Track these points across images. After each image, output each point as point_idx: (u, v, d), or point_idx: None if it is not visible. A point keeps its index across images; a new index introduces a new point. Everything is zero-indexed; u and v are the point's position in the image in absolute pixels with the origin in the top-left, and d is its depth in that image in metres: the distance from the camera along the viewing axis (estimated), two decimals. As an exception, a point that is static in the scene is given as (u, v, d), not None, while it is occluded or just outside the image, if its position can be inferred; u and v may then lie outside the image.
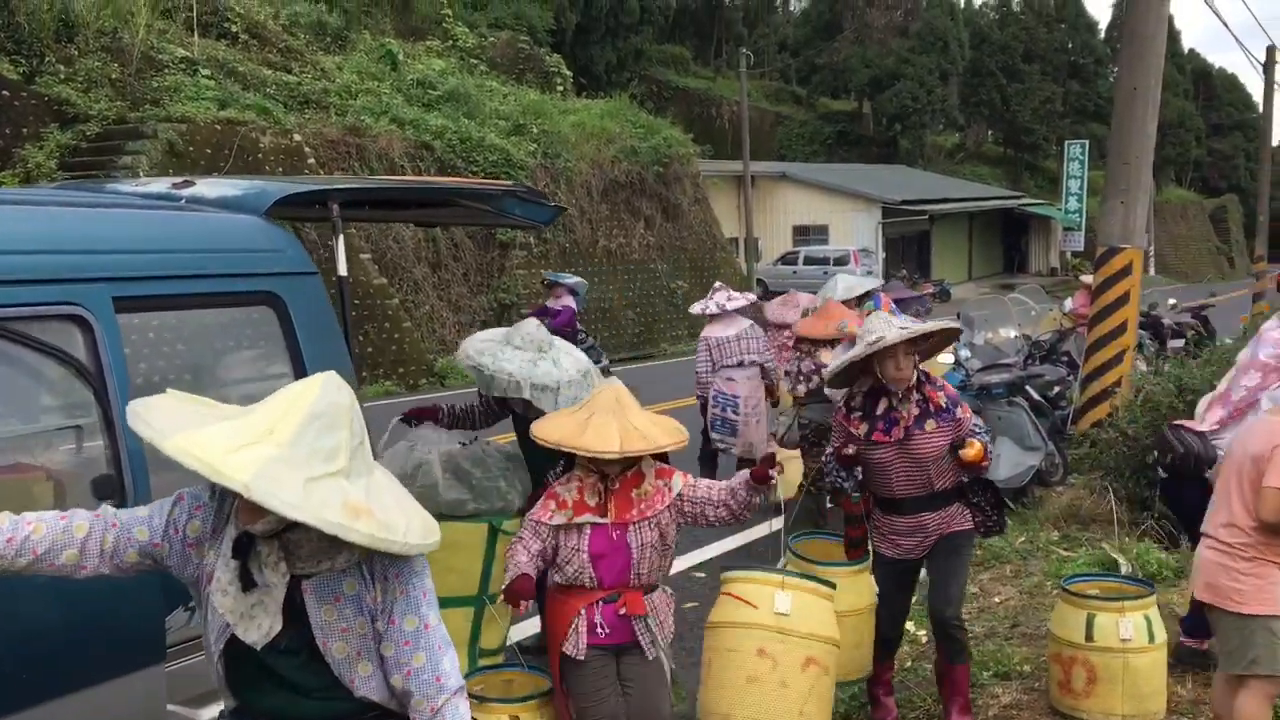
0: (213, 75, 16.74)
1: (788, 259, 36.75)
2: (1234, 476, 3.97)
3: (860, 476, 4.53)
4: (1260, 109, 45.04)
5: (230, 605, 2.36)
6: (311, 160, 16.48)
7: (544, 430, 3.74)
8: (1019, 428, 8.72)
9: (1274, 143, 31.90)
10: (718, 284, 9.85)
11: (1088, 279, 12.33)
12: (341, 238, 3.84)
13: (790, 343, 8.70)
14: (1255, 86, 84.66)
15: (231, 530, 2.37)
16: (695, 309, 9.58)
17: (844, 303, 8.31)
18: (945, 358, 9.05)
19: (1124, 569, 6.24)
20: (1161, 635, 4.51)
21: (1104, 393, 9.11)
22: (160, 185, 3.75)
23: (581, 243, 21.40)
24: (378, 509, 2.29)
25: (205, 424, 2.28)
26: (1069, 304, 12.44)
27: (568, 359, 4.73)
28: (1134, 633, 4.38)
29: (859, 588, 4.83)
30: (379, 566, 2.44)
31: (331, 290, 3.76)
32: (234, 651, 2.41)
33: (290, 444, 2.22)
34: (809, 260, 35.52)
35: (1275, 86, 27.50)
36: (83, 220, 3.10)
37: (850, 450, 4.44)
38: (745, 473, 3.81)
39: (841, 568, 4.84)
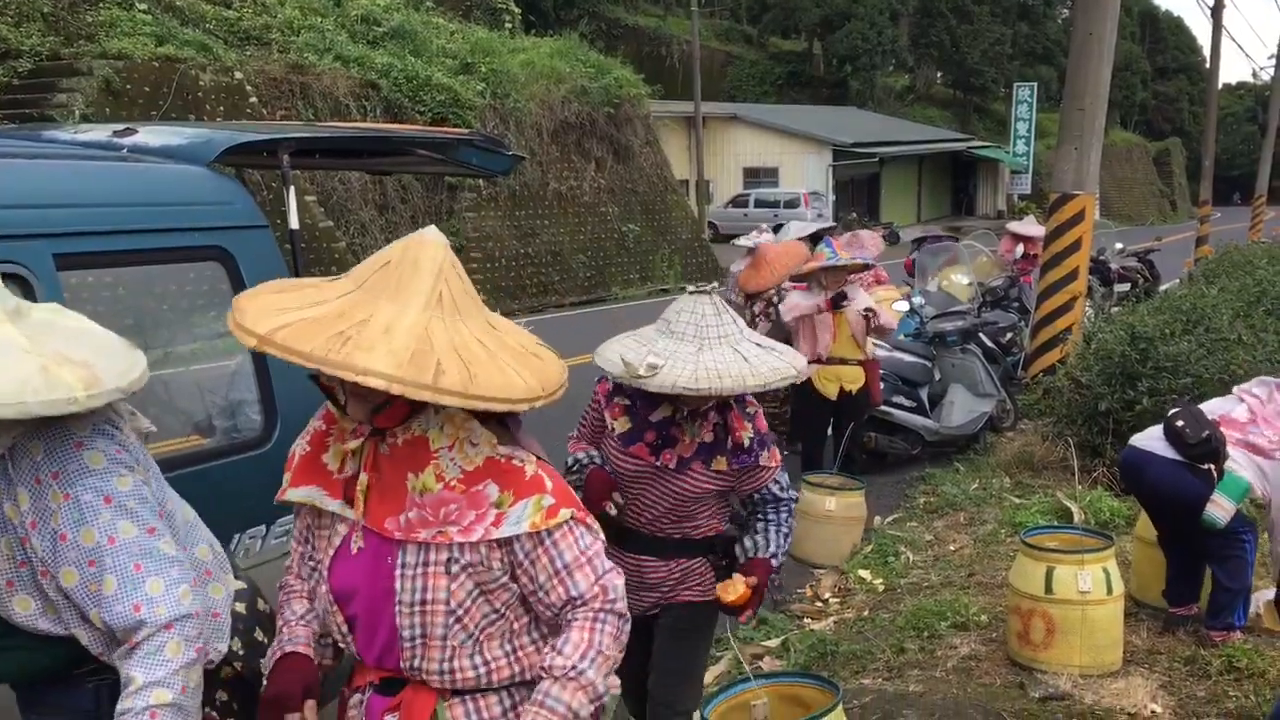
0: (150, 10, 16.16)
1: (739, 202, 36.69)
2: None
3: (597, 460, 3.25)
4: (1205, 53, 45.44)
5: None
6: (254, 99, 16.03)
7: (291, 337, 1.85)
8: (972, 374, 8.79)
9: (1219, 86, 32.17)
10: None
11: (1013, 225, 12.42)
12: (293, 189, 3.70)
13: (861, 282, 8.73)
14: (1200, 29, 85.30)
15: None
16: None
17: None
18: (899, 305, 9.08)
19: (1076, 517, 6.32)
20: (1119, 587, 4.56)
21: (1055, 339, 9.21)
22: (101, 133, 3.58)
23: (531, 185, 21.14)
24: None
25: None
26: (1017, 251, 12.51)
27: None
28: (1093, 585, 4.42)
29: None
30: (24, 463, 1.95)
31: (283, 243, 3.63)
32: None
33: None
34: (759, 203, 35.48)
35: (1222, 30, 27.67)
36: (19, 173, 2.94)
37: (583, 455, 3.27)
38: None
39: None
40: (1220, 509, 4.59)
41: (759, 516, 3.27)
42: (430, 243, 1.99)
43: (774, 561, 3.20)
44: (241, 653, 2.33)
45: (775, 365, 2.95)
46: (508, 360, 1.94)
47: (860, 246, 9.49)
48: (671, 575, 3.30)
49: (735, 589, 3.07)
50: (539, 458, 2.09)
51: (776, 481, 3.26)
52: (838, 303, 6.94)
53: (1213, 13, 28.97)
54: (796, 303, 7.05)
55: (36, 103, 13.69)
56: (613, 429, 3.20)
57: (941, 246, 11.48)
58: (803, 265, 7.45)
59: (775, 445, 3.26)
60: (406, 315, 1.87)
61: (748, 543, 3.24)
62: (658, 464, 3.14)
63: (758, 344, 3.05)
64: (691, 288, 3.14)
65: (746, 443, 3.15)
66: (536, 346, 2.10)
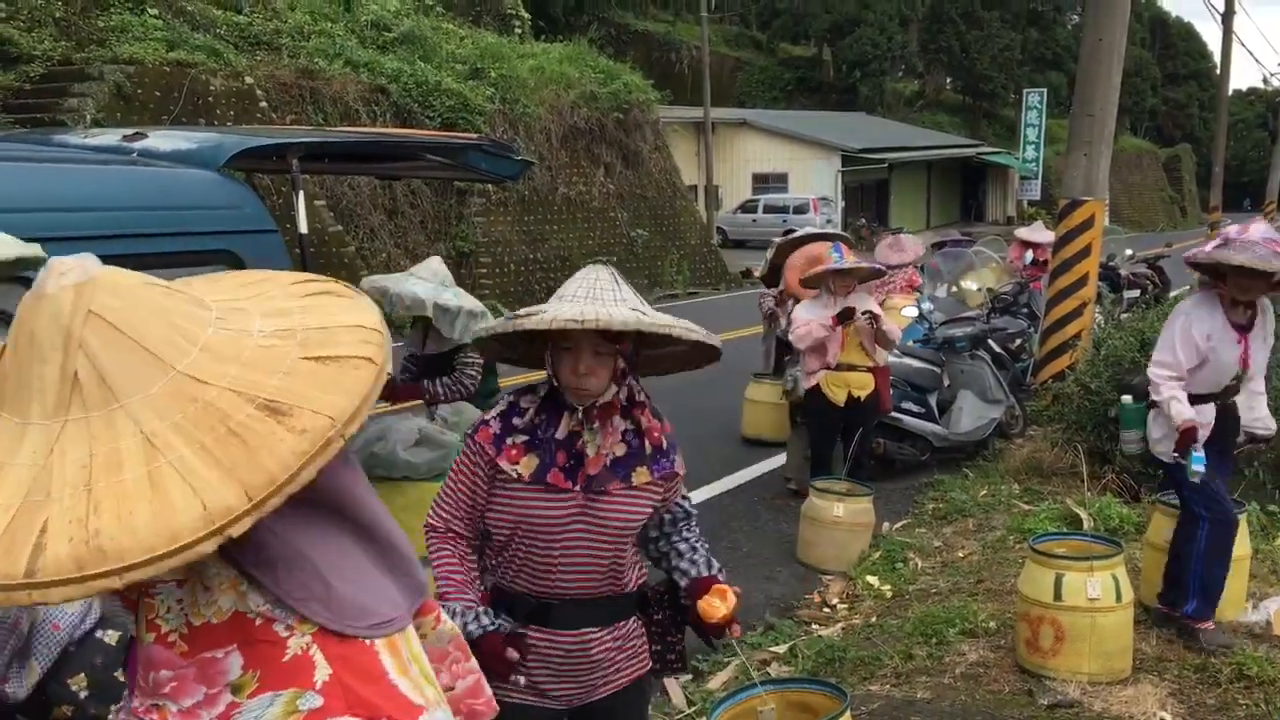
0: (160, 15, 16.23)
1: (747, 207, 36.69)
2: None
3: (485, 621, 2.59)
4: (1216, 59, 45.34)
5: None
6: (264, 104, 16.09)
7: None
8: (981, 380, 8.77)
9: (1229, 93, 32.09)
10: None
11: (1022, 232, 12.41)
12: (302, 193, 3.71)
13: (898, 285, 9.52)
14: (1210, 35, 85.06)
15: None
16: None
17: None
18: (909, 310, 9.07)
19: (1085, 524, 6.30)
20: (1129, 594, 4.54)
21: (1064, 345, 9.19)
22: (111, 137, 3.59)
23: (540, 190, 21.16)
24: None
25: None
26: (1027, 257, 12.50)
27: (468, 296, 5.21)
28: (1102, 592, 4.40)
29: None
30: None
31: (293, 247, 3.64)
32: None
33: None
34: (769, 209, 35.47)
35: (1233, 36, 27.61)
36: (30, 176, 2.95)
37: (461, 610, 2.57)
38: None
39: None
40: (1127, 442, 5.02)
41: (676, 539, 2.81)
42: (49, 296, 1.12)
43: (722, 577, 2.75)
44: (84, 695, 2.05)
45: (663, 318, 2.48)
46: (239, 418, 1.10)
47: (901, 250, 10.03)
48: (614, 646, 2.71)
49: (723, 603, 2.63)
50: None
51: (682, 494, 2.84)
52: (845, 318, 6.92)
53: (1223, 19, 28.93)
54: (807, 329, 6.99)
55: (48, 107, 13.75)
56: (517, 476, 2.55)
57: (958, 253, 11.48)
58: (808, 270, 7.44)
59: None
60: (19, 449, 1.10)
61: (685, 567, 2.78)
62: (576, 488, 2.55)
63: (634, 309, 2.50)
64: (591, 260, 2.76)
65: (665, 443, 2.68)
66: (348, 333, 1.22)
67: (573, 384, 2.50)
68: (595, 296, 2.46)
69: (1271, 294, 4.75)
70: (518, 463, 2.56)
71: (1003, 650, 4.87)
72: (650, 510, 2.69)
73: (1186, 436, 4.67)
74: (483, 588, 2.69)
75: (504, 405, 2.63)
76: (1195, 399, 4.79)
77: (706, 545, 2.86)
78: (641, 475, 2.61)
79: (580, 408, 2.55)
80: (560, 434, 2.57)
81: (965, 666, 4.75)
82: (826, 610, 5.81)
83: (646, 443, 2.64)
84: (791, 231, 9.29)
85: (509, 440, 2.58)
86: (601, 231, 22.96)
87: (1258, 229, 4.66)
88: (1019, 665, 4.67)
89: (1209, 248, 4.73)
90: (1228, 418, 4.89)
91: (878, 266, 7.39)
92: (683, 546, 2.81)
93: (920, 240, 11.00)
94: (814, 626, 5.55)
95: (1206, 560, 4.86)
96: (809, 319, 7.01)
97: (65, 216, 2.87)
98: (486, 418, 2.63)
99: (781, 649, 5.16)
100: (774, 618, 5.66)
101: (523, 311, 2.45)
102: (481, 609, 2.59)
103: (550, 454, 2.56)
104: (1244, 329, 4.78)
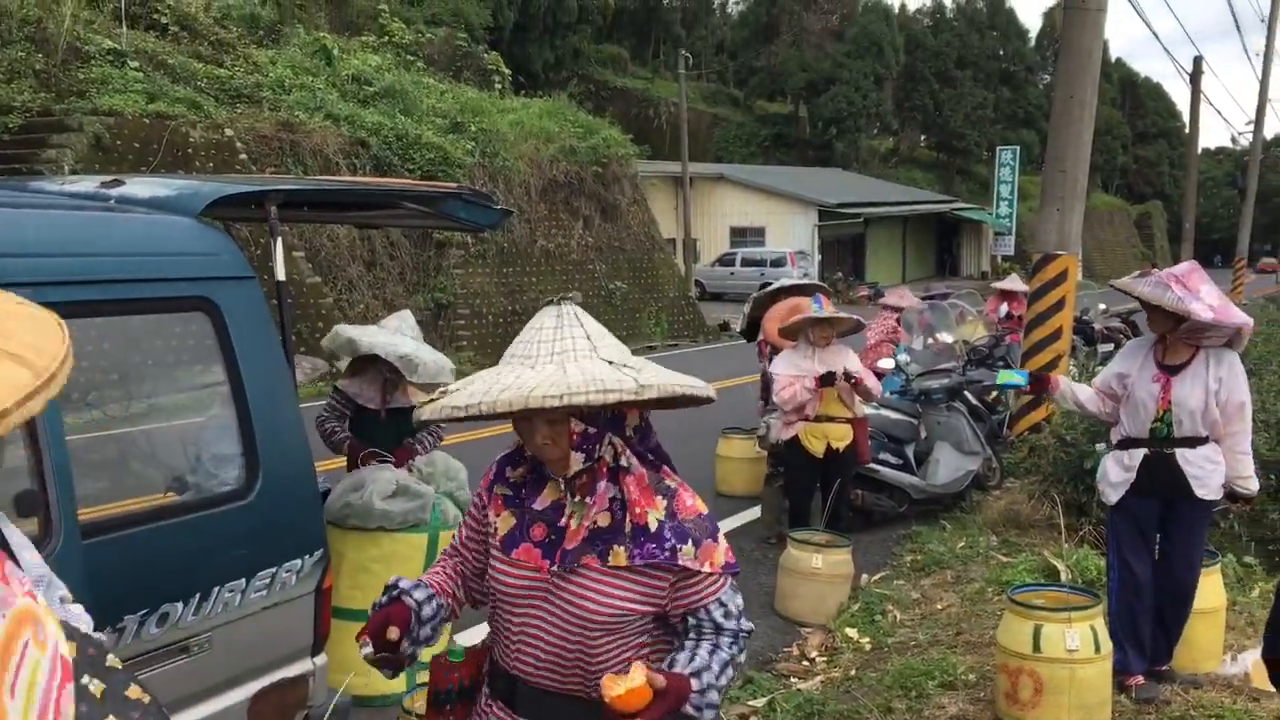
0: (141, 67, 16.31)
1: (725, 260, 36.92)
2: None
3: (415, 594, 2.36)
4: (1185, 118, 46.10)
5: None
6: (244, 156, 16.13)
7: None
8: (958, 432, 8.78)
9: (1199, 151, 32.63)
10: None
11: (999, 284, 12.58)
12: (280, 240, 3.71)
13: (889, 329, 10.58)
14: (1179, 95, 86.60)
15: None
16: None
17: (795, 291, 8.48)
18: (886, 363, 9.11)
19: (1063, 575, 6.29)
20: (1107, 646, 4.53)
21: (1038, 398, 9.22)
22: (88, 184, 3.59)
23: (519, 242, 21.24)
24: None
25: None
26: (1001, 309, 12.64)
27: (430, 351, 5.21)
28: (1080, 643, 4.39)
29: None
30: None
31: (270, 295, 3.63)
32: None
33: None
34: (746, 262, 35.72)
35: (1201, 96, 28.14)
36: (5, 222, 2.94)
37: (405, 582, 2.39)
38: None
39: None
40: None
41: (693, 637, 2.28)
42: None
43: (694, 684, 2.16)
44: None
45: (598, 376, 2.09)
46: None
47: (903, 297, 11.02)
48: None
49: (629, 681, 2.07)
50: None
51: (720, 602, 2.27)
52: (826, 382, 6.96)
53: (1191, 79, 29.49)
54: (792, 392, 7.00)
55: (26, 158, 13.76)
56: (495, 530, 2.34)
57: (937, 306, 11.64)
58: (789, 319, 7.48)
59: (717, 541, 2.25)
60: None
61: (674, 656, 2.25)
62: (552, 569, 2.23)
63: (609, 361, 2.16)
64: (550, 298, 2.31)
65: (653, 525, 2.20)
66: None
67: (538, 454, 2.26)
68: (534, 355, 2.16)
69: (1187, 338, 4.66)
70: (500, 515, 2.35)
71: (982, 703, 4.84)
72: (639, 608, 2.22)
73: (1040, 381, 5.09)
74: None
75: (512, 448, 2.41)
76: (1128, 443, 4.87)
77: (727, 663, 2.26)
78: (618, 556, 2.20)
79: (561, 478, 2.26)
80: (539, 504, 2.30)
81: None
82: (805, 663, 5.76)
83: (628, 518, 2.22)
84: (768, 285, 9.36)
85: (497, 489, 2.38)
86: (580, 283, 23.02)
87: (1183, 266, 4.73)
88: (998, 718, 4.64)
89: (1128, 278, 4.81)
90: (1163, 471, 4.77)
91: (857, 319, 7.40)
92: (691, 642, 2.27)
93: (916, 297, 11.81)
94: (793, 680, 5.50)
95: (1118, 611, 4.92)
96: (789, 374, 7.04)
97: (40, 262, 2.86)
98: (498, 457, 2.43)
99: (760, 703, 5.10)
100: (752, 671, 5.60)
101: (451, 387, 2.20)
102: (410, 585, 2.35)
103: (526, 524, 2.30)
104: (1170, 370, 4.72)
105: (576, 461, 2.21)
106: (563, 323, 2.20)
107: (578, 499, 2.26)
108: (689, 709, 2.16)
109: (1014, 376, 5.20)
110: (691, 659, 2.21)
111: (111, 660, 2.08)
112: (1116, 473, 4.88)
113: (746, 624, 2.34)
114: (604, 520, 2.24)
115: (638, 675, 2.08)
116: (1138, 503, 4.84)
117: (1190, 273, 4.64)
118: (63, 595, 2.19)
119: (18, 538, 2.18)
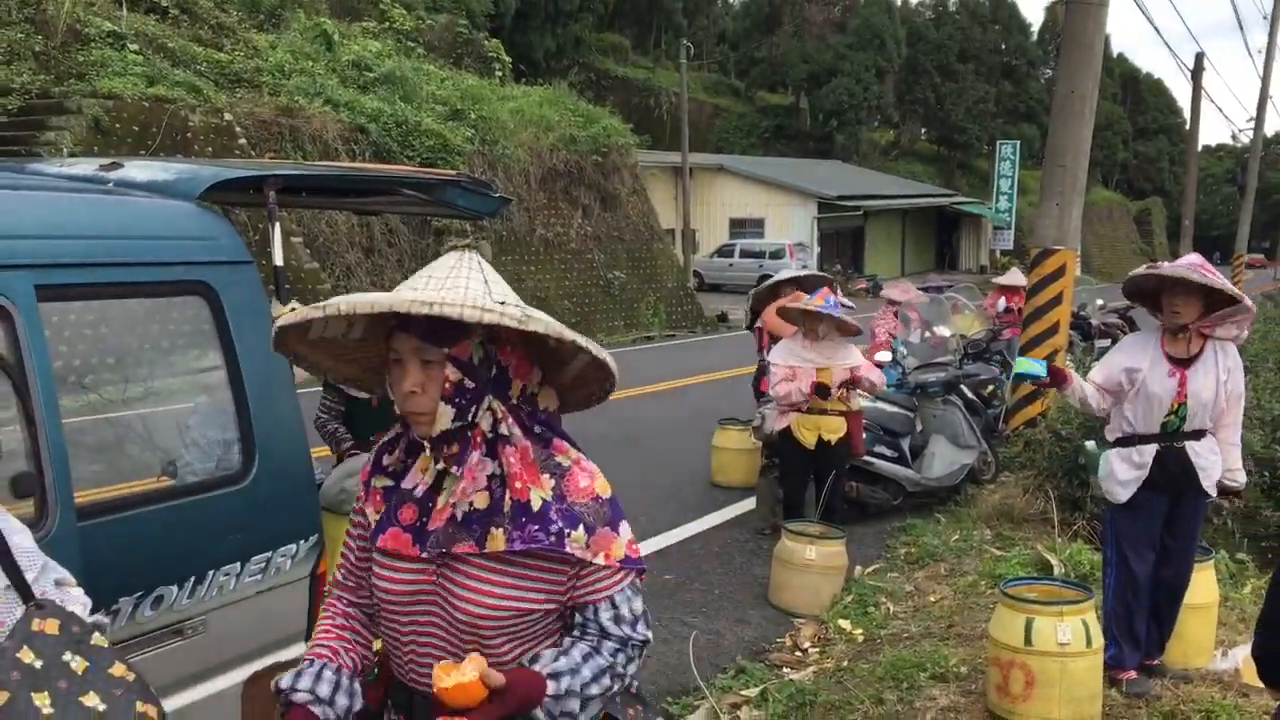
0: (141, 50, 16.27)
1: (724, 251, 36.92)
2: None
3: (318, 688, 2.02)
4: (1185, 115, 46.09)
5: None
6: (243, 141, 16.10)
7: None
8: (954, 426, 8.80)
9: (1199, 148, 32.64)
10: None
11: (1000, 279, 12.57)
12: (278, 225, 3.71)
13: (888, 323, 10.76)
14: (1180, 92, 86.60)
15: None
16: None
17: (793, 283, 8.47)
18: (883, 356, 9.12)
19: (1057, 570, 6.31)
20: (1099, 640, 4.55)
21: (1036, 392, 9.23)
22: (87, 167, 3.58)
23: (518, 231, 21.23)
24: None
25: None
26: (1001, 305, 12.64)
27: None
28: (1072, 637, 4.40)
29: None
30: None
31: (268, 280, 3.63)
32: None
33: None
34: (745, 253, 35.71)
35: (1202, 93, 28.12)
36: (2, 204, 2.94)
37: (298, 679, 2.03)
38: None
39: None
40: (1097, 488, 5.12)
41: (574, 636, 2.01)
42: None
43: (551, 687, 1.90)
44: None
45: (478, 298, 1.83)
46: None
47: (906, 290, 11.23)
48: None
49: (460, 674, 1.82)
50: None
51: (611, 603, 1.98)
52: (822, 395, 7.00)
53: (1192, 76, 29.48)
54: (788, 390, 7.02)
55: (25, 140, 13.73)
56: (367, 519, 2.07)
57: (934, 299, 11.68)
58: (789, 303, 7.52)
59: (617, 531, 1.98)
60: None
61: (540, 651, 1.99)
62: (423, 553, 1.95)
63: (502, 301, 1.87)
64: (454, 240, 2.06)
65: (536, 504, 1.92)
66: None
67: (401, 406, 1.92)
68: (419, 287, 1.87)
69: (1208, 325, 4.62)
70: (380, 510, 2.05)
71: (973, 695, 4.86)
72: (535, 605, 1.95)
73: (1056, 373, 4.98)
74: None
75: (389, 434, 2.09)
76: (1136, 439, 4.78)
77: (604, 672, 1.97)
78: (495, 540, 1.91)
79: (426, 443, 1.95)
80: (410, 482, 2.01)
81: (936, 712, 4.73)
82: (798, 654, 5.78)
83: (507, 495, 1.93)
84: (768, 277, 9.35)
85: (375, 483, 2.07)
86: (578, 273, 23.01)
87: (1196, 258, 4.73)
88: (989, 711, 4.65)
89: (1138, 270, 4.78)
90: (1175, 465, 4.76)
91: (854, 324, 7.28)
92: (569, 641, 2.00)
93: (918, 288, 11.99)
94: (785, 670, 5.52)
95: (1114, 608, 4.92)
96: (787, 364, 7.05)
97: (38, 244, 2.86)
98: (376, 445, 2.14)
99: (752, 692, 5.12)
100: (745, 660, 5.62)
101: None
102: (291, 680, 2.02)
103: (394, 507, 2.01)
104: (1182, 363, 4.69)
105: (445, 417, 1.88)
106: (461, 266, 1.92)
107: (441, 466, 1.96)
108: (539, 714, 1.90)
109: (1034, 366, 5.00)
110: (558, 658, 1.95)
111: (97, 639, 2.10)
112: (1125, 470, 4.79)
113: (641, 631, 2.02)
114: (482, 501, 1.94)
115: (470, 669, 1.83)
116: (1149, 499, 4.79)
117: (1205, 263, 4.65)
118: (59, 579, 2.20)
119: (11, 522, 2.19)
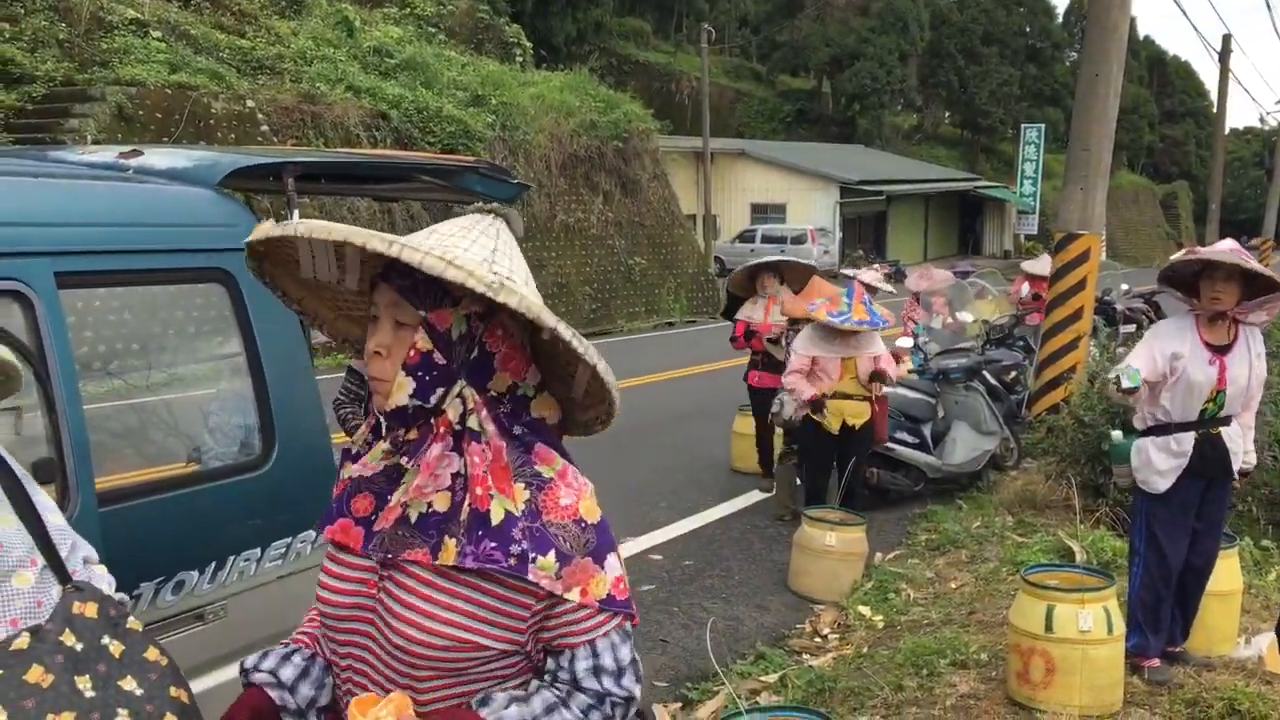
0: (164, 38, 16.34)
1: (745, 237, 36.81)
2: None
3: (283, 673, 1.79)
4: (1212, 97, 45.66)
5: None
6: (265, 128, 16.15)
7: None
8: (976, 412, 8.76)
9: (1226, 131, 32.29)
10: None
11: (1027, 265, 12.48)
12: (298, 212, 3.71)
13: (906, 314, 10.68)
14: (1208, 74, 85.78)
15: None
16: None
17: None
18: (904, 342, 9.09)
19: (1079, 557, 6.28)
20: (1120, 627, 4.52)
21: (1059, 378, 9.19)
22: (106, 154, 3.59)
23: (539, 217, 21.22)
24: None
25: None
26: (1025, 290, 12.56)
27: None
28: (1093, 624, 4.38)
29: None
30: None
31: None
32: None
33: None
34: (766, 239, 35.58)
35: (1229, 76, 27.82)
36: (23, 191, 2.95)
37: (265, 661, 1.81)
38: None
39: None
40: (1119, 476, 5.05)
41: (543, 681, 1.67)
42: None
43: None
44: None
45: (453, 253, 1.54)
46: None
47: (930, 279, 11.01)
48: None
49: (379, 710, 1.54)
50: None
51: (591, 650, 1.63)
52: (815, 409, 7.09)
53: (1220, 58, 29.14)
54: (793, 380, 7.13)
55: (49, 128, 13.82)
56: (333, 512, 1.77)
57: (964, 285, 11.64)
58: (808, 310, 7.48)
59: (602, 565, 1.61)
60: None
61: (492, 693, 1.64)
62: (371, 554, 1.66)
63: (507, 276, 1.60)
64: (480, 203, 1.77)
65: (497, 516, 1.58)
66: None
67: (370, 374, 1.66)
68: (434, 237, 1.61)
69: (1242, 311, 4.56)
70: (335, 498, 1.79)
71: (994, 682, 4.84)
72: (484, 640, 1.59)
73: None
74: None
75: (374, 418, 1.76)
76: (1173, 427, 4.71)
77: None
78: (448, 551, 1.58)
79: (381, 417, 1.67)
80: (370, 469, 1.70)
81: (955, 698, 4.72)
82: (818, 640, 5.78)
83: (467, 501, 1.60)
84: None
85: (344, 473, 1.78)
86: (599, 259, 23.00)
87: (1225, 243, 4.68)
88: (1009, 698, 4.64)
89: (1177, 256, 4.72)
90: (1211, 451, 4.72)
91: (870, 334, 7.23)
92: (532, 688, 1.66)
93: (947, 271, 11.84)
94: (805, 656, 5.52)
95: (1142, 597, 4.88)
96: (806, 355, 7.05)
97: (58, 231, 2.87)
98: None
99: (771, 678, 5.13)
100: (765, 646, 5.63)
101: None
102: (256, 660, 1.82)
103: (349, 494, 1.72)
104: (1221, 350, 4.64)
105: (402, 390, 1.61)
106: (474, 228, 1.67)
107: (389, 448, 1.68)
108: None
109: (1137, 379, 4.65)
110: (511, 705, 1.60)
111: (132, 623, 2.12)
112: (1164, 460, 4.71)
113: (625, 687, 1.64)
114: (442, 503, 1.62)
115: (387, 710, 1.54)
116: (1185, 486, 4.74)
117: (1241, 248, 4.61)
118: (86, 556, 2.22)
119: (44, 499, 2.21)
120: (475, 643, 1.59)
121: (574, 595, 1.59)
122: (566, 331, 1.57)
